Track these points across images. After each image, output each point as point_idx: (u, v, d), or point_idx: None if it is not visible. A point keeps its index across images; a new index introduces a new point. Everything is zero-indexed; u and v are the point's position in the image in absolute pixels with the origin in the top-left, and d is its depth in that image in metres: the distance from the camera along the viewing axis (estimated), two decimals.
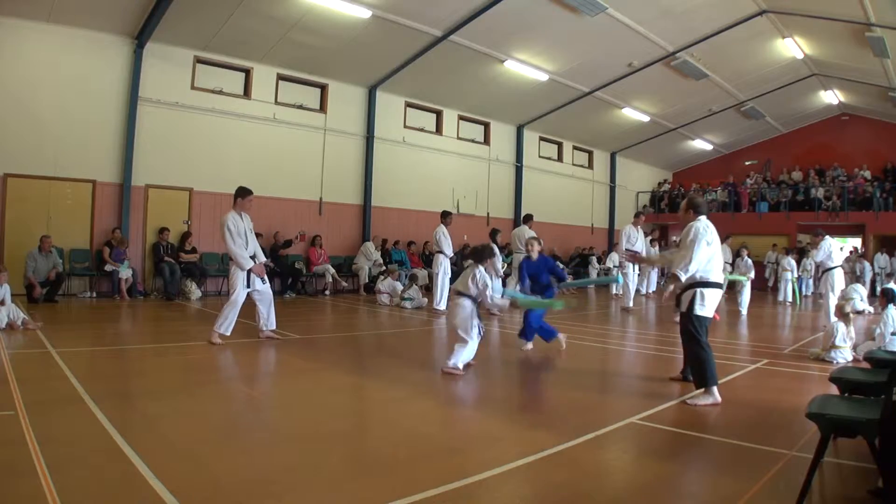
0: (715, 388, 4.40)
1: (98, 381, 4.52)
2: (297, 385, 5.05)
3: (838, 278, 9.00)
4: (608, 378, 5.75)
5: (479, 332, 5.36)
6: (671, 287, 4.69)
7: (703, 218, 4.73)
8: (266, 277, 6.68)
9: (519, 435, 3.64)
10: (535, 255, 6.71)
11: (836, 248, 9.16)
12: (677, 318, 5.23)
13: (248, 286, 6.42)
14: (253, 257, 6.46)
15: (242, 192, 6.56)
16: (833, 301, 8.95)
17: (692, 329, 4.53)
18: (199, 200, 12.05)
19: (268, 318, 6.67)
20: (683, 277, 4.50)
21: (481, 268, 5.39)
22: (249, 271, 6.39)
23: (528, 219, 11.17)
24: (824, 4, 11.46)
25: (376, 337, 8.06)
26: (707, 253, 4.55)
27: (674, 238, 18.02)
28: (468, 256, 5.80)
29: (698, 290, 4.54)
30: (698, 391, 4.51)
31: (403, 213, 15.40)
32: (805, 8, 11.94)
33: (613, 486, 2.99)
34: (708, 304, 4.55)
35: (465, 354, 5.25)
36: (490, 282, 5.40)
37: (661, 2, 11.83)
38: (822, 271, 9.25)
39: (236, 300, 6.32)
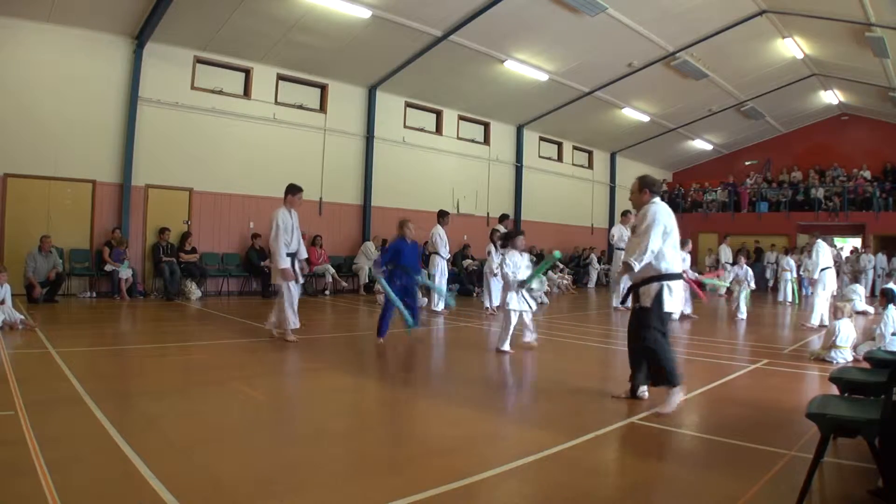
0: (679, 388, 4.12)
1: (98, 381, 4.52)
2: (297, 385, 5.05)
3: (829, 279, 9.14)
4: (608, 378, 5.74)
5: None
6: (625, 278, 4.30)
7: (658, 200, 4.31)
8: (299, 275, 6.82)
9: (519, 435, 3.64)
10: (410, 239, 7.05)
11: (826, 252, 9.20)
12: (616, 304, 5.26)
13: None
14: (294, 254, 6.64)
15: (292, 190, 6.72)
16: (821, 300, 9.06)
17: (657, 325, 4.13)
18: (199, 200, 12.05)
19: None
20: (637, 267, 4.11)
21: (508, 253, 6.48)
22: (294, 264, 6.59)
23: (504, 218, 11.87)
24: (824, 4, 11.46)
25: (376, 337, 8.04)
26: (668, 241, 4.15)
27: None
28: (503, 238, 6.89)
29: (665, 283, 4.15)
30: (665, 399, 4.12)
31: (403, 213, 15.33)
32: (805, 8, 11.94)
33: (613, 485, 2.99)
34: (675, 299, 4.19)
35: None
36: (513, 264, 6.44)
37: (661, 2, 11.82)
38: (819, 271, 9.31)
39: (288, 298, 6.53)
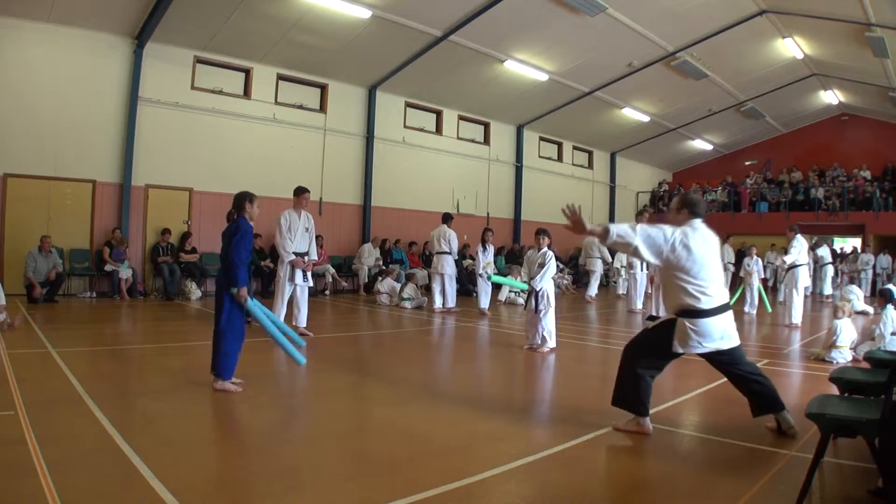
0: (646, 419, 3.64)
1: (98, 381, 4.53)
2: (297, 385, 5.05)
3: (802, 277, 9.17)
4: (609, 378, 5.74)
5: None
6: (662, 310, 3.71)
7: (696, 223, 3.57)
8: (307, 274, 7.11)
9: (519, 435, 3.64)
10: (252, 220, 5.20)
11: (804, 248, 9.22)
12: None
13: (293, 280, 6.93)
14: (303, 254, 6.98)
15: (296, 192, 7.16)
16: (797, 299, 9.06)
17: (652, 354, 3.64)
18: (199, 200, 12.04)
19: (298, 315, 7.08)
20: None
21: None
22: (294, 265, 6.91)
23: (448, 218, 10.60)
24: (824, 4, 11.46)
25: (376, 337, 8.06)
26: (704, 272, 3.47)
27: None
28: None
29: (680, 321, 3.48)
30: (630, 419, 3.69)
31: (403, 213, 15.39)
32: (805, 8, 11.95)
33: (613, 485, 2.99)
34: (694, 339, 3.45)
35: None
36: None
37: (661, 2, 11.82)
38: (787, 269, 9.29)
39: (280, 292, 6.93)
